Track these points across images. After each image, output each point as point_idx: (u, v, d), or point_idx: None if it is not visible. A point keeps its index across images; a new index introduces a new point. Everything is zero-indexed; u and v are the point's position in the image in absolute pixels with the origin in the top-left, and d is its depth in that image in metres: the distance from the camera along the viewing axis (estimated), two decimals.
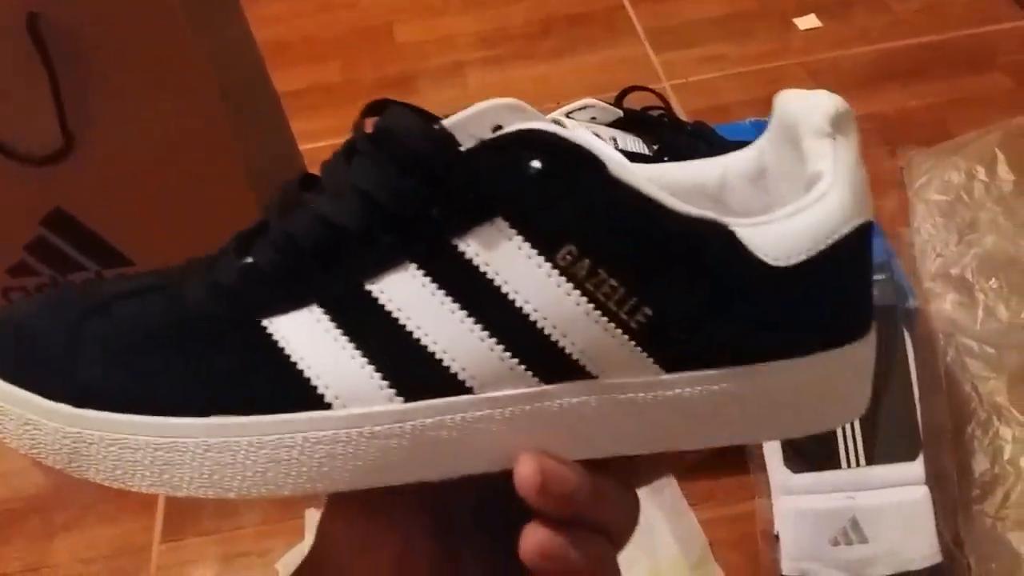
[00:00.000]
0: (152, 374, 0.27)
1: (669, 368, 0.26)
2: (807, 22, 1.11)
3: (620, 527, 0.29)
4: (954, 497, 0.65)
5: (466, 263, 0.26)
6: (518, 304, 0.26)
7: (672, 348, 0.26)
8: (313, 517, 0.70)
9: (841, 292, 0.27)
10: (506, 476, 0.27)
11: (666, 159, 0.64)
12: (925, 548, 0.61)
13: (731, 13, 1.13)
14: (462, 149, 0.26)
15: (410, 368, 0.26)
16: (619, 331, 0.26)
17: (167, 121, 0.64)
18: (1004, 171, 0.85)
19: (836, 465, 0.64)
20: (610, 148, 0.25)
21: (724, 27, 1.11)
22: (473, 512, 0.31)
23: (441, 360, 0.26)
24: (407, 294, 0.26)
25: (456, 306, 0.26)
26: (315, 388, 0.26)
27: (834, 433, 0.64)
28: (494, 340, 0.26)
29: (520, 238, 0.26)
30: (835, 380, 0.27)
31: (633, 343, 0.26)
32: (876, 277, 0.67)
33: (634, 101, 0.71)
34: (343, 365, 0.26)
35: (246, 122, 0.70)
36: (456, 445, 0.27)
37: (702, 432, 0.27)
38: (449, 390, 0.26)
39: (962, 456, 0.68)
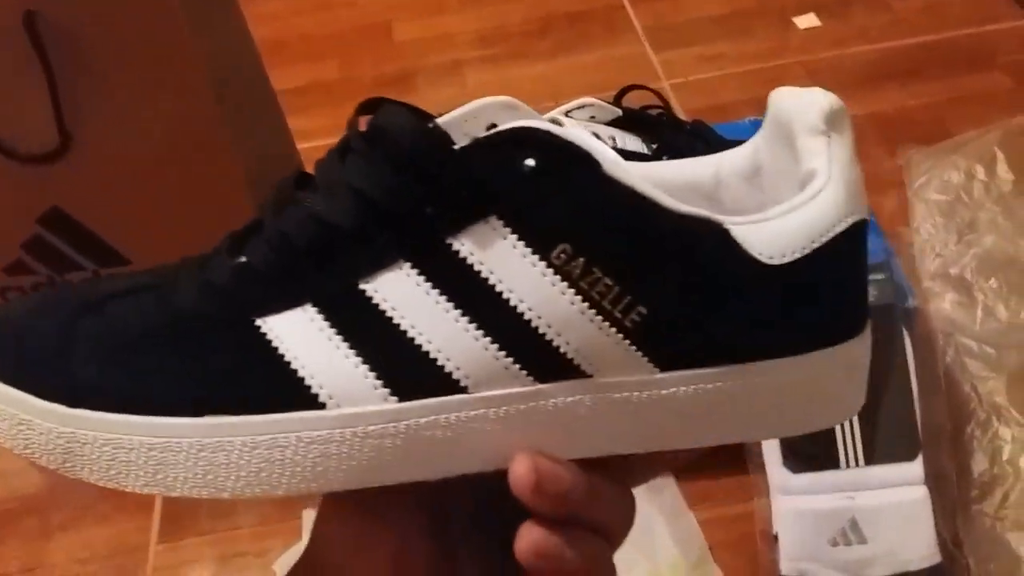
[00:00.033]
0: (146, 374, 0.27)
1: (664, 367, 0.26)
2: (806, 21, 1.10)
3: (616, 526, 0.29)
4: (953, 497, 0.65)
5: (460, 262, 0.26)
6: (512, 303, 0.26)
7: (666, 347, 0.26)
8: (311, 518, 0.70)
9: (836, 290, 0.26)
10: (501, 476, 0.27)
11: (665, 158, 0.64)
12: (924, 548, 0.61)
13: (730, 12, 1.13)
14: (456, 147, 0.26)
15: (404, 367, 0.26)
16: (613, 330, 0.26)
17: (164, 120, 0.64)
18: (1004, 171, 0.85)
19: (835, 465, 0.64)
20: (604, 146, 0.25)
21: (723, 26, 1.11)
22: (469, 512, 0.31)
23: (435, 359, 0.26)
24: (401, 293, 0.26)
25: (450, 305, 0.26)
26: (309, 388, 0.26)
27: (833, 433, 0.64)
28: (488, 339, 0.26)
29: (514, 237, 0.25)
30: (830, 379, 0.27)
31: (628, 342, 0.26)
32: (876, 277, 0.67)
33: (633, 100, 0.71)
34: (337, 364, 0.26)
35: (244, 121, 0.70)
36: (450, 445, 0.27)
37: (697, 431, 0.27)
38: (443, 389, 0.26)
39: (961, 456, 0.68)
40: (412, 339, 0.26)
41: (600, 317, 0.26)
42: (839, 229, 0.26)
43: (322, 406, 0.26)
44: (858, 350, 0.27)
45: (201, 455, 0.26)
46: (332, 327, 0.26)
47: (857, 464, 0.63)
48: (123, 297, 0.28)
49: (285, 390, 0.26)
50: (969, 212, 0.83)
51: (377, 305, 0.26)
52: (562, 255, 0.25)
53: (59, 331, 0.28)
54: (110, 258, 0.71)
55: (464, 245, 0.26)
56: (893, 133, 0.93)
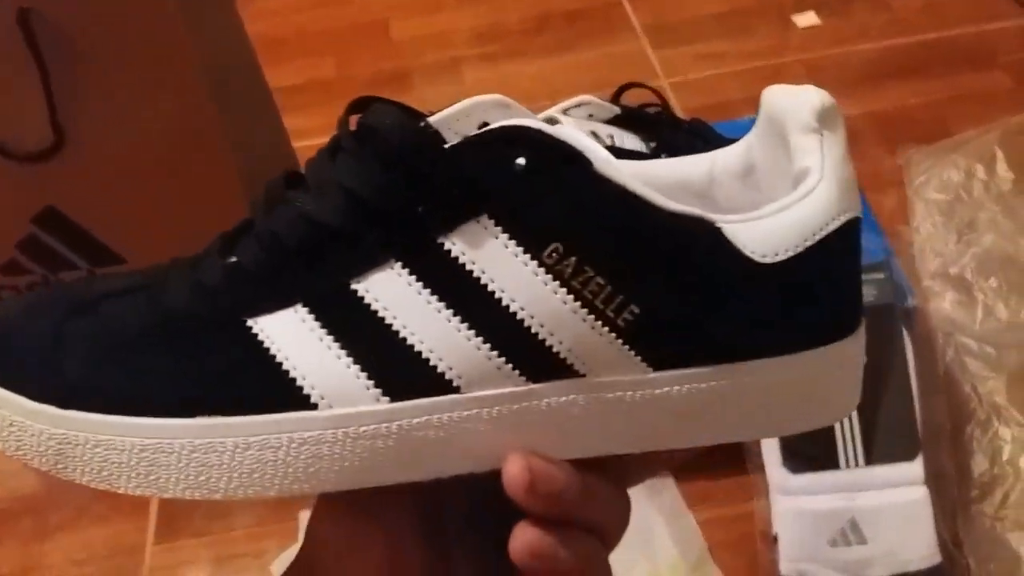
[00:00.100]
0: (137, 375, 0.27)
1: (657, 366, 0.26)
2: (806, 19, 1.10)
3: (611, 526, 0.29)
4: (953, 497, 0.65)
5: (451, 261, 0.26)
6: (504, 302, 0.26)
7: (659, 346, 0.26)
8: (307, 519, 0.70)
9: (829, 289, 0.26)
10: (495, 476, 0.27)
11: (663, 157, 0.63)
12: (924, 549, 0.61)
13: (730, 10, 1.13)
14: (447, 146, 0.25)
15: (396, 367, 0.26)
16: (606, 329, 0.26)
17: (159, 118, 0.64)
18: (1003, 170, 0.85)
19: (835, 465, 0.63)
20: (596, 145, 0.25)
21: (723, 24, 1.11)
22: (463, 512, 0.31)
23: (427, 359, 0.26)
24: (392, 293, 0.26)
25: (442, 305, 0.26)
26: (301, 388, 0.26)
27: (832, 433, 0.64)
28: (480, 339, 0.26)
29: (506, 236, 0.25)
30: (825, 377, 0.27)
31: (620, 341, 0.26)
32: (875, 276, 0.67)
33: (631, 98, 0.71)
34: (328, 365, 0.26)
35: (239, 119, 0.70)
36: (443, 445, 0.27)
37: (691, 431, 0.27)
38: (435, 390, 0.26)
39: (961, 456, 0.67)
40: (404, 339, 0.26)
41: (592, 316, 0.25)
42: (832, 227, 0.25)
43: (314, 407, 0.26)
44: (852, 349, 0.27)
45: (193, 456, 0.26)
46: (323, 327, 0.26)
47: (857, 464, 0.63)
48: (113, 298, 0.28)
49: (277, 391, 0.26)
50: (969, 211, 0.83)
51: (368, 305, 0.26)
52: (554, 254, 0.25)
53: (50, 332, 0.27)
54: (105, 257, 0.71)
55: (455, 244, 0.26)
56: (893, 132, 0.92)
